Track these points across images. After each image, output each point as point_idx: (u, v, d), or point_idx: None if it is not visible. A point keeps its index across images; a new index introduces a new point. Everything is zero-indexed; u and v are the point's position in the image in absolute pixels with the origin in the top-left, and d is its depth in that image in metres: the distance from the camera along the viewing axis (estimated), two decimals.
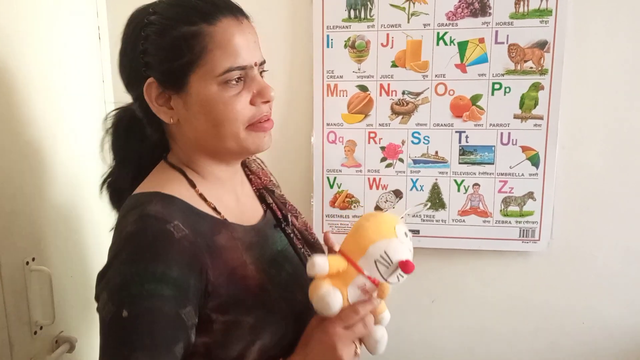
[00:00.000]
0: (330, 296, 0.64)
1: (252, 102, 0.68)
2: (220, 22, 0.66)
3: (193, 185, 0.70)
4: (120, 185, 0.75)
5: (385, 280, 0.66)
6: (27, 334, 0.87)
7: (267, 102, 0.69)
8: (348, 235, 0.69)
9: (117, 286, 0.60)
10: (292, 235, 0.78)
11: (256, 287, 0.67)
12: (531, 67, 1.03)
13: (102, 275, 0.63)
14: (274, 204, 0.80)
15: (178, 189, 0.69)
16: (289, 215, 0.81)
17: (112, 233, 0.67)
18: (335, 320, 0.66)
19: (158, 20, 0.66)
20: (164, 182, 0.69)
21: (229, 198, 0.74)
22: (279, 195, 0.84)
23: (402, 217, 0.71)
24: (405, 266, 0.66)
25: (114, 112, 0.76)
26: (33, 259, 0.88)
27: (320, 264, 0.64)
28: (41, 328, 0.90)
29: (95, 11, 1.10)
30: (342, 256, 0.67)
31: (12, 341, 0.84)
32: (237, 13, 0.68)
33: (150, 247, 0.61)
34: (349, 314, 0.66)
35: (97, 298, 0.63)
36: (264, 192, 0.82)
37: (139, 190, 0.70)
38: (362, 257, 0.66)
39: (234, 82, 0.66)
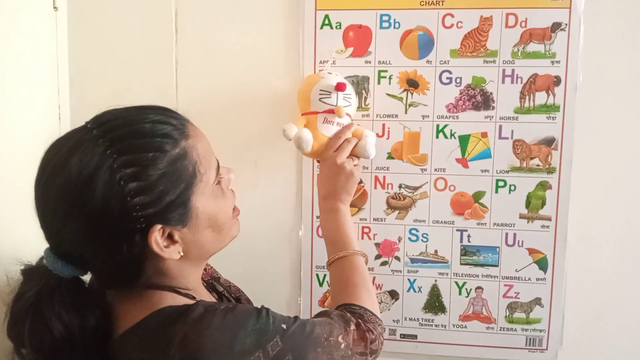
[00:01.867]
0: (300, 132, 0.89)
1: (227, 190, 0.69)
2: (189, 131, 0.62)
3: (193, 298, 0.65)
4: None
5: (337, 105, 0.89)
6: None
7: None
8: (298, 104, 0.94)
9: (263, 335, 0.60)
10: None
11: None
12: (538, 165, 0.96)
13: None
14: (225, 292, 0.82)
15: (183, 301, 0.64)
16: (240, 297, 0.84)
17: None
18: (326, 150, 0.90)
19: (133, 162, 0.56)
20: (161, 300, 0.62)
21: (205, 296, 0.71)
22: (224, 280, 0.85)
23: (325, 68, 0.96)
24: (339, 86, 0.89)
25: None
26: None
27: (288, 127, 0.89)
28: None
29: None
30: (301, 116, 0.92)
31: None
32: (184, 117, 0.65)
33: (231, 311, 0.61)
34: (333, 140, 0.90)
35: None
36: (212, 281, 0.82)
37: (125, 327, 0.60)
38: (311, 104, 0.90)
39: (217, 183, 0.65)
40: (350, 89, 0.93)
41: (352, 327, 0.71)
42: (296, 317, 0.66)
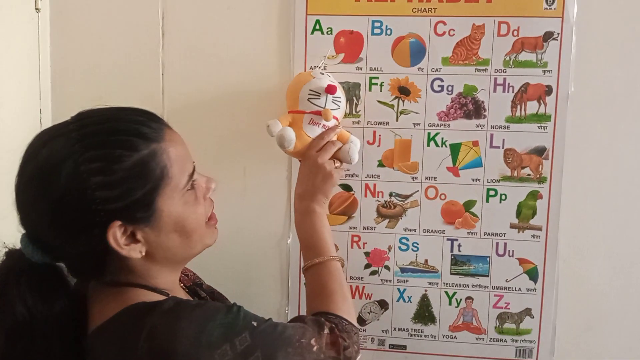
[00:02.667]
0: (282, 130, 0.87)
1: (204, 198, 0.69)
2: (164, 135, 0.62)
3: (166, 294, 0.65)
4: None
5: (324, 107, 0.87)
6: None
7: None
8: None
9: (231, 329, 0.60)
10: None
11: None
12: (529, 174, 0.96)
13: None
14: (207, 297, 0.81)
15: (157, 298, 0.64)
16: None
17: None
18: (308, 150, 0.88)
19: (100, 157, 0.57)
20: (134, 297, 0.63)
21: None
22: (207, 286, 0.85)
23: (318, 67, 0.95)
24: (330, 89, 0.87)
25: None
26: None
27: (272, 124, 0.88)
28: None
29: None
30: (288, 113, 0.90)
31: None
32: (164, 121, 0.66)
33: (201, 305, 0.62)
34: (316, 141, 0.88)
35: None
36: (194, 287, 0.82)
37: (99, 323, 0.61)
38: (299, 103, 0.88)
39: (190, 188, 0.65)
40: (340, 92, 0.91)
41: (326, 330, 0.70)
42: (270, 319, 0.66)
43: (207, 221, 0.70)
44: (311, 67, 0.96)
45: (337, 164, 0.90)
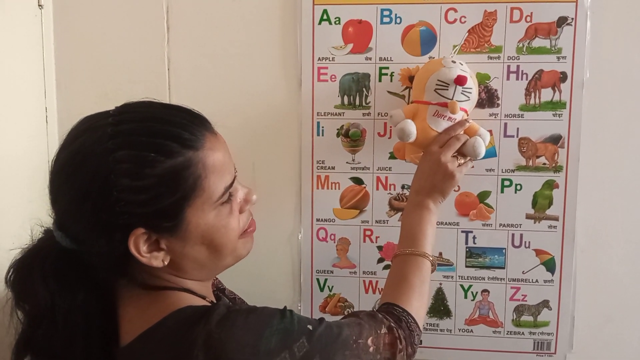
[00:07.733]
0: (403, 124, 0.83)
1: (240, 211, 0.65)
2: (205, 142, 0.58)
3: (203, 297, 0.64)
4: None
5: (452, 99, 0.82)
6: None
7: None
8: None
9: (289, 335, 0.58)
10: None
11: None
12: (544, 164, 0.93)
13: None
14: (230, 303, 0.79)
15: (200, 302, 0.62)
16: None
17: None
18: (432, 144, 0.83)
19: (132, 159, 0.54)
20: (178, 301, 0.60)
21: None
22: (229, 291, 0.84)
23: (449, 56, 0.88)
24: (459, 80, 0.81)
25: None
26: None
27: (395, 114, 0.86)
28: None
29: None
30: (413, 102, 0.87)
31: None
32: (209, 126, 0.63)
33: (254, 311, 0.59)
34: (441, 136, 0.83)
35: None
36: (217, 292, 0.80)
37: (142, 328, 0.58)
38: (425, 94, 0.84)
39: (225, 200, 0.62)
40: (471, 83, 0.84)
41: (384, 330, 0.67)
42: (321, 319, 0.63)
43: (243, 232, 0.67)
44: (319, 59, 0.94)
45: (461, 160, 0.84)
